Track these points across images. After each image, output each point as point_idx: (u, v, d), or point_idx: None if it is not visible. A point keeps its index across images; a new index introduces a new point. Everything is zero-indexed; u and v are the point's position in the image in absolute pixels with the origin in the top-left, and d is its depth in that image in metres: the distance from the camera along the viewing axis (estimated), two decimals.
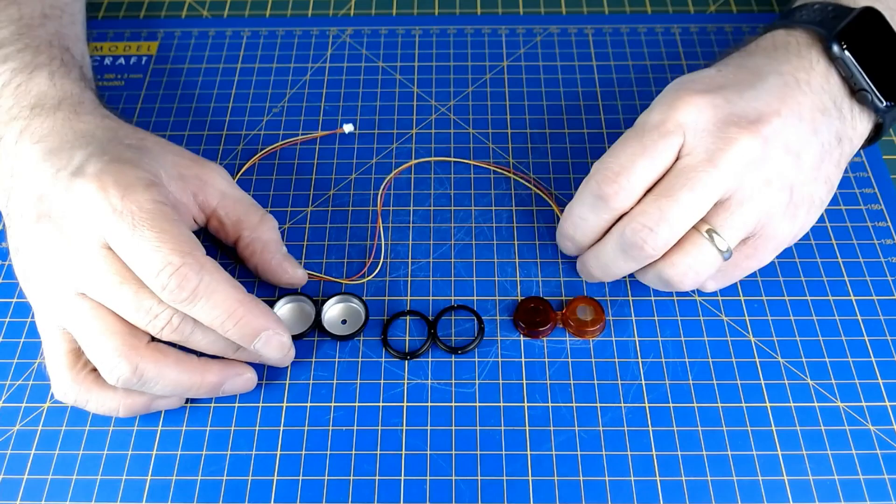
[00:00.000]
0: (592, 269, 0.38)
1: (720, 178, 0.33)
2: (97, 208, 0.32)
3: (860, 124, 0.37)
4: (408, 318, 0.40)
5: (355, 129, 0.48)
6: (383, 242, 0.43)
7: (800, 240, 0.42)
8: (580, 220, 0.36)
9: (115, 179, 0.33)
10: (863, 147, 0.39)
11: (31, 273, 0.35)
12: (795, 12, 0.38)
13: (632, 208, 0.34)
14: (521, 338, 0.39)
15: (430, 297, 0.41)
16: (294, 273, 0.39)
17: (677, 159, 0.34)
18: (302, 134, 0.48)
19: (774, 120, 0.34)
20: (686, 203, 0.33)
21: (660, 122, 0.34)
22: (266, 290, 0.41)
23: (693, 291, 0.40)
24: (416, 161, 0.46)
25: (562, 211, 0.39)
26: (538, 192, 0.44)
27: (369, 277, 0.41)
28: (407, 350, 0.39)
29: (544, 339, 0.39)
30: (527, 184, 0.45)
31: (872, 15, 0.36)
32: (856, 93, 0.36)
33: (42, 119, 0.37)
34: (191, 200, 0.37)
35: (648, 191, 0.34)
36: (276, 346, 0.34)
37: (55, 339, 0.34)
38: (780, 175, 0.34)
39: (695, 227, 0.34)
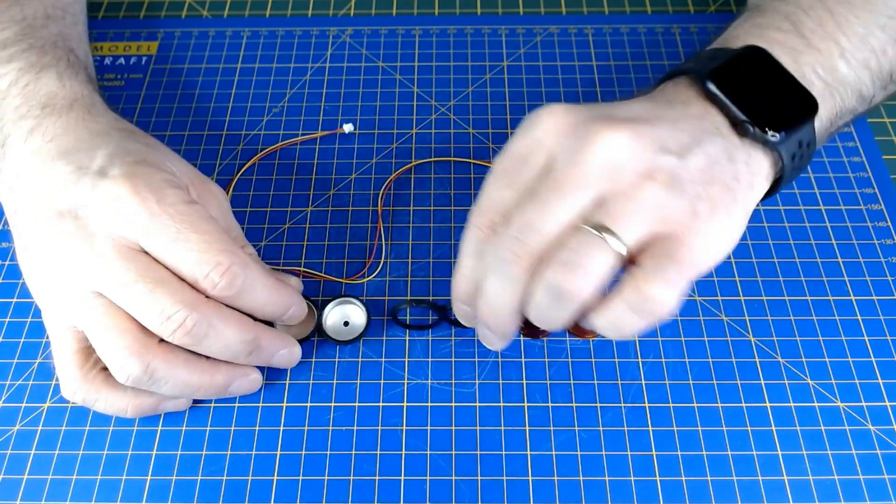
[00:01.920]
0: (532, 317, 0.32)
1: (587, 172, 0.30)
2: (132, 211, 0.32)
3: (754, 158, 0.33)
4: (408, 311, 0.40)
5: (355, 129, 0.48)
6: (384, 243, 0.43)
7: (800, 239, 0.42)
8: (466, 277, 0.33)
9: (145, 182, 0.33)
10: (775, 191, 0.35)
11: (44, 270, 0.34)
12: (683, 64, 0.37)
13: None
14: (521, 338, 0.39)
15: (430, 298, 0.41)
16: (290, 282, 0.39)
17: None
18: (302, 134, 0.48)
19: (643, 123, 0.31)
20: (551, 201, 0.30)
21: (521, 146, 0.32)
22: None
23: (693, 291, 0.40)
24: (417, 162, 0.46)
25: None
26: None
27: (369, 277, 0.41)
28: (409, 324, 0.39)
29: (544, 339, 0.39)
30: None
31: (754, 53, 0.35)
32: (737, 126, 0.33)
33: (55, 118, 0.37)
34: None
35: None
36: (299, 316, 0.37)
37: (65, 338, 0.34)
38: (660, 170, 0.30)
39: (579, 226, 0.30)
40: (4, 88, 0.38)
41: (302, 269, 0.42)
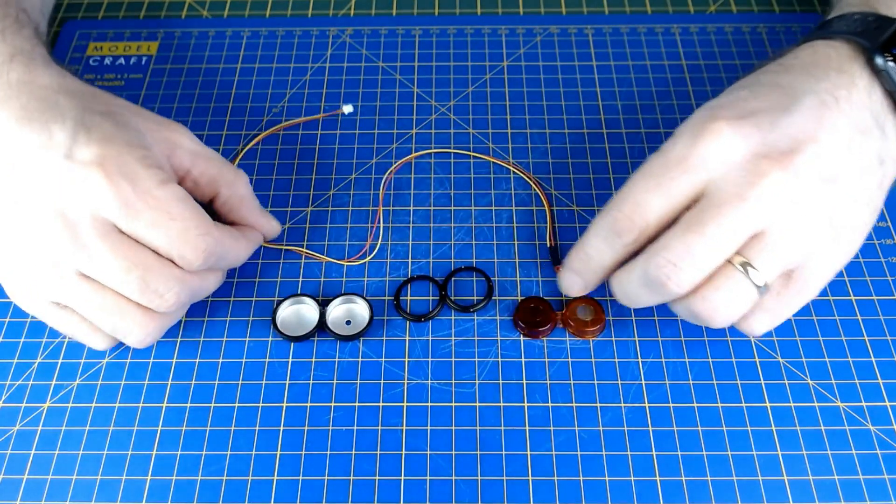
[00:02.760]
0: (618, 297, 0.36)
1: (751, 212, 0.31)
2: (108, 200, 0.32)
3: None
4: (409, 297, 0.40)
5: (356, 114, 0.48)
6: (381, 226, 0.43)
7: None
8: (593, 253, 0.35)
9: (117, 166, 0.33)
10: None
11: (13, 252, 0.34)
12: (834, 22, 0.37)
13: (655, 239, 0.33)
14: (521, 338, 0.39)
15: (430, 297, 0.41)
16: (272, 225, 0.41)
17: (701, 194, 0.33)
18: (304, 124, 0.48)
19: (808, 147, 0.32)
20: (713, 238, 0.31)
21: (683, 157, 0.33)
22: (268, 289, 0.41)
23: None
24: (418, 154, 0.46)
25: (537, 208, 0.40)
26: (533, 184, 0.44)
27: (370, 258, 0.42)
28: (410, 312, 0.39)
29: (544, 339, 0.39)
30: (527, 179, 0.45)
31: None
32: None
33: None
34: (165, 162, 0.36)
35: (674, 222, 0.33)
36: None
37: (60, 313, 0.35)
38: (816, 205, 0.32)
39: (728, 261, 0.32)
40: None
41: (304, 250, 0.42)
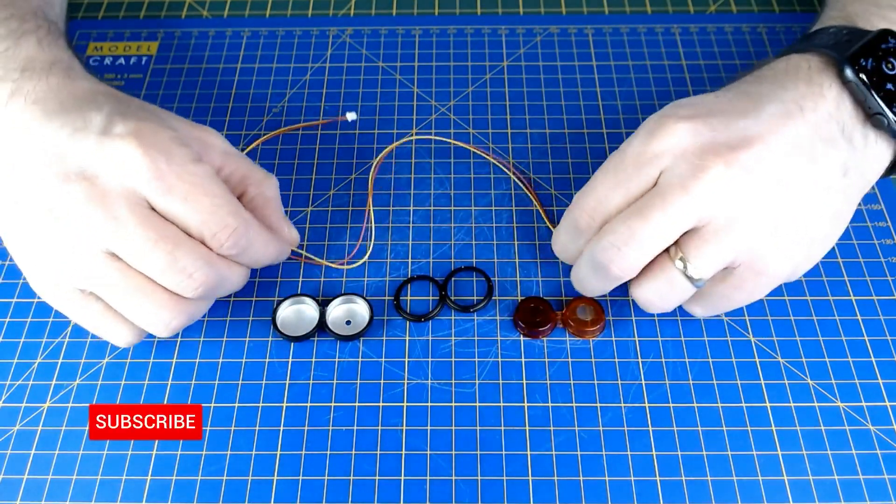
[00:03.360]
0: (574, 284, 0.38)
1: (692, 203, 0.32)
2: (142, 172, 0.32)
3: (876, 151, 0.35)
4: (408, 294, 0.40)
5: (357, 116, 0.48)
6: (372, 226, 0.43)
7: None
8: (561, 248, 0.39)
9: (152, 140, 0.33)
10: (884, 176, 0.37)
11: (44, 234, 0.33)
12: (812, 37, 0.37)
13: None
14: (521, 338, 0.39)
15: (430, 297, 0.41)
16: (291, 233, 0.40)
17: (655, 184, 0.34)
18: (304, 121, 0.48)
19: (758, 147, 0.33)
20: (656, 223, 0.33)
21: (638, 153, 0.34)
22: (268, 289, 0.41)
23: None
24: (417, 136, 0.46)
25: (545, 208, 0.42)
26: (520, 182, 0.44)
27: (362, 261, 0.41)
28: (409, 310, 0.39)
29: (544, 339, 0.39)
30: (518, 181, 0.45)
31: (889, 37, 0.35)
32: (870, 117, 0.34)
33: (34, 82, 0.36)
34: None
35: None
36: (284, 258, 0.40)
37: (83, 301, 0.35)
38: (762, 205, 0.33)
39: (666, 252, 0.34)
40: None
41: (304, 252, 0.42)
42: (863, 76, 0.34)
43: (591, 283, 0.36)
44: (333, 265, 0.42)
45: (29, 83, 0.36)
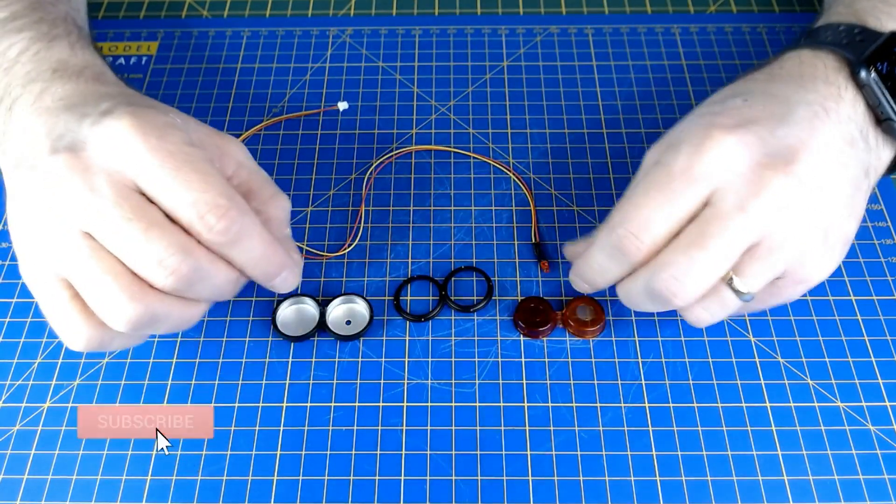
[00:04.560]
0: (623, 302, 0.36)
1: (752, 224, 0.31)
2: (131, 145, 0.31)
3: (884, 153, 0.35)
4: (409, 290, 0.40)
5: (356, 116, 0.48)
6: (363, 225, 0.43)
7: None
8: (598, 268, 0.35)
9: (148, 120, 0.32)
10: (884, 175, 0.37)
11: (29, 212, 0.32)
12: (820, 32, 0.37)
13: (657, 252, 0.33)
14: (521, 338, 0.39)
15: (430, 297, 0.41)
16: (292, 255, 0.37)
17: (705, 204, 0.32)
18: (306, 109, 0.48)
19: (805, 156, 0.32)
20: (716, 252, 0.31)
21: (686, 168, 0.32)
22: (267, 290, 0.41)
23: None
24: (417, 148, 0.46)
25: (537, 208, 0.41)
26: (519, 182, 0.44)
27: (342, 251, 0.42)
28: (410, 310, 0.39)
29: (544, 339, 0.39)
30: (518, 181, 0.45)
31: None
32: (881, 122, 0.34)
33: (63, 82, 0.36)
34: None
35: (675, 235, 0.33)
36: (291, 284, 0.35)
37: (55, 289, 0.32)
38: (813, 216, 0.32)
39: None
40: (14, 56, 0.38)
41: (305, 245, 0.42)
42: (879, 81, 0.33)
43: (646, 307, 0.34)
44: (313, 257, 0.42)
45: (58, 83, 0.36)
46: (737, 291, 0.32)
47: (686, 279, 0.31)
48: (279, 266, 0.34)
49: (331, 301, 0.40)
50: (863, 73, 0.33)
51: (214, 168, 0.32)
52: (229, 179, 0.36)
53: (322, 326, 0.39)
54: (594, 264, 0.35)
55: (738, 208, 0.31)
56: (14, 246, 0.34)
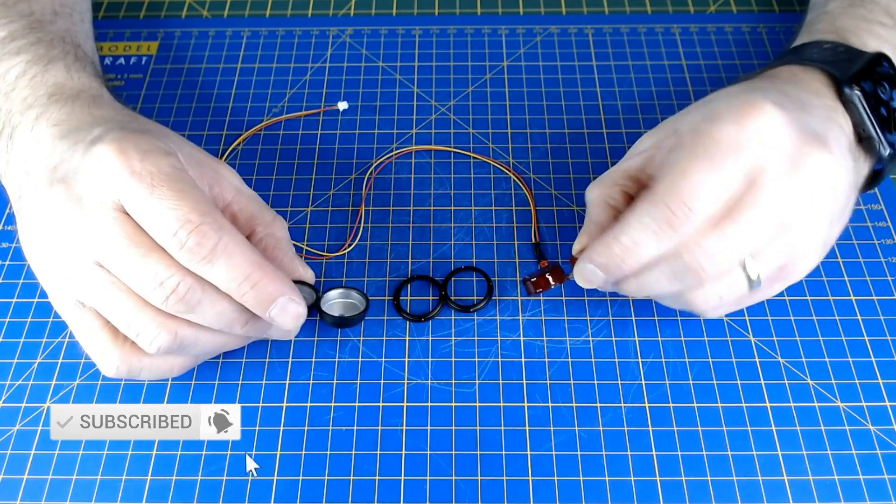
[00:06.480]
0: (628, 285, 0.34)
1: (790, 206, 0.31)
2: (114, 170, 0.31)
3: (863, 170, 0.36)
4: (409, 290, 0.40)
5: (356, 115, 0.48)
6: (362, 225, 0.43)
7: None
8: (635, 247, 0.32)
9: (134, 144, 0.32)
10: (860, 193, 0.37)
11: (43, 246, 0.33)
12: (806, 50, 0.37)
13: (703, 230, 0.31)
14: (522, 338, 0.39)
15: (430, 297, 0.41)
16: (305, 272, 0.37)
17: (750, 180, 0.31)
18: (306, 108, 0.48)
19: (833, 146, 0.32)
20: (752, 231, 0.31)
21: (733, 137, 0.31)
22: None
23: None
24: (417, 148, 0.46)
25: (537, 208, 0.40)
26: (519, 182, 0.44)
27: (351, 247, 0.42)
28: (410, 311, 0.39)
29: (541, 293, 0.38)
30: (517, 179, 0.45)
31: (882, 61, 0.35)
32: (862, 140, 0.34)
33: (59, 106, 0.36)
34: (206, 189, 0.36)
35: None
36: (292, 315, 0.33)
37: (83, 317, 0.33)
38: (829, 206, 0.32)
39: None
40: (12, 80, 0.38)
41: (305, 245, 0.42)
42: (862, 99, 0.34)
43: (660, 286, 0.33)
44: (313, 257, 0.42)
45: (54, 108, 0.36)
46: (748, 274, 0.32)
47: (721, 254, 0.30)
48: (272, 292, 0.32)
49: (328, 292, 0.39)
50: (847, 91, 0.34)
51: (196, 187, 0.32)
52: (229, 205, 0.37)
53: (318, 309, 0.37)
54: (628, 242, 0.32)
55: (781, 181, 0.30)
56: (37, 278, 0.35)
